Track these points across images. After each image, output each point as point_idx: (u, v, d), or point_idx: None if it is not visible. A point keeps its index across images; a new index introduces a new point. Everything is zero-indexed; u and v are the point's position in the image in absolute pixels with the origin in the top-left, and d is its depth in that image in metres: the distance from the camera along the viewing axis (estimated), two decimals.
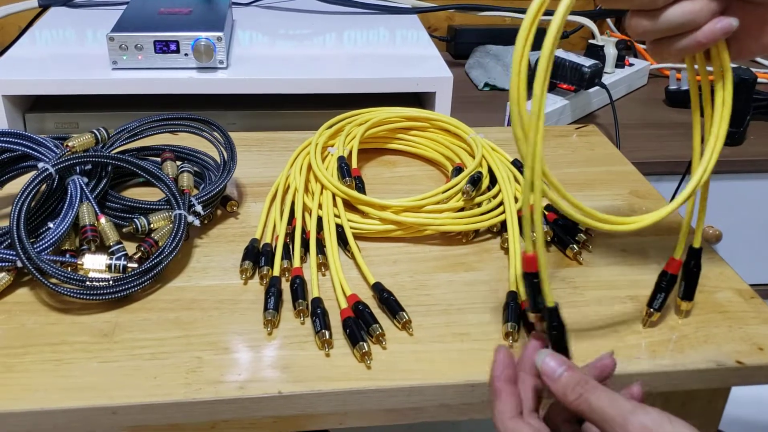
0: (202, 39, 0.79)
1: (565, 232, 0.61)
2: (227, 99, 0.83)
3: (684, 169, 0.93)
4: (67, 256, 0.55)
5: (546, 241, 0.61)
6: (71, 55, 0.85)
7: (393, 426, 0.55)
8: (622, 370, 0.49)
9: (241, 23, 0.98)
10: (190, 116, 0.67)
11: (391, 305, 0.53)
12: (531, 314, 0.45)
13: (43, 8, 1.01)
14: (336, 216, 0.62)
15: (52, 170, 0.56)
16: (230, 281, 0.57)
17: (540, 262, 0.43)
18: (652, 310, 0.53)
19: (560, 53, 0.95)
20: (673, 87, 1.04)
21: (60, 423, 0.46)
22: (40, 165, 0.56)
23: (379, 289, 0.55)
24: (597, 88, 0.96)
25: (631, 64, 1.09)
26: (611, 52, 1.04)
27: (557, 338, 0.43)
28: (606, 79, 0.98)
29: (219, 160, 0.68)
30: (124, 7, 0.99)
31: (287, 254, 0.59)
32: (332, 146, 0.71)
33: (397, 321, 0.52)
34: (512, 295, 0.54)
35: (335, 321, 0.52)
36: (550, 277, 0.56)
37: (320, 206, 0.64)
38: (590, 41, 1.04)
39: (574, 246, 0.60)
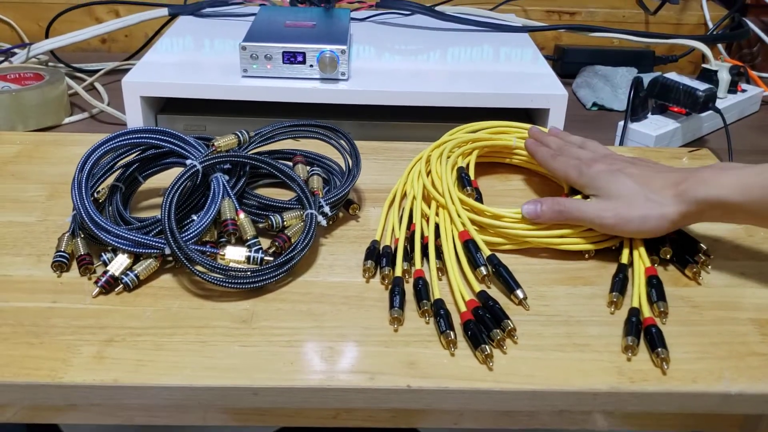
0: (327, 51, 0.83)
1: (684, 251, 0.62)
2: (341, 109, 0.86)
3: None
4: (208, 246, 0.60)
5: (665, 259, 0.62)
6: (202, 62, 0.91)
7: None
8: (742, 390, 0.50)
9: (356, 37, 1.02)
10: (318, 123, 0.71)
11: (496, 313, 0.55)
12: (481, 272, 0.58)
13: (172, 17, 1.08)
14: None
15: (199, 167, 0.60)
16: (354, 279, 0.60)
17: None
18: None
19: (673, 76, 0.95)
20: None
21: (204, 400, 0.49)
22: (188, 162, 0.61)
23: (484, 297, 0.56)
24: (709, 112, 0.95)
25: (743, 90, 1.07)
26: (725, 78, 1.03)
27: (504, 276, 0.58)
28: (718, 104, 0.97)
29: (343, 166, 0.71)
30: (249, 18, 1.05)
31: (406, 257, 0.61)
32: (450, 156, 0.73)
33: (500, 330, 0.53)
34: (634, 311, 0.55)
35: (455, 323, 0.54)
36: (669, 295, 0.58)
37: (437, 214, 0.66)
38: (704, 65, 1.03)
39: (694, 265, 0.60)
